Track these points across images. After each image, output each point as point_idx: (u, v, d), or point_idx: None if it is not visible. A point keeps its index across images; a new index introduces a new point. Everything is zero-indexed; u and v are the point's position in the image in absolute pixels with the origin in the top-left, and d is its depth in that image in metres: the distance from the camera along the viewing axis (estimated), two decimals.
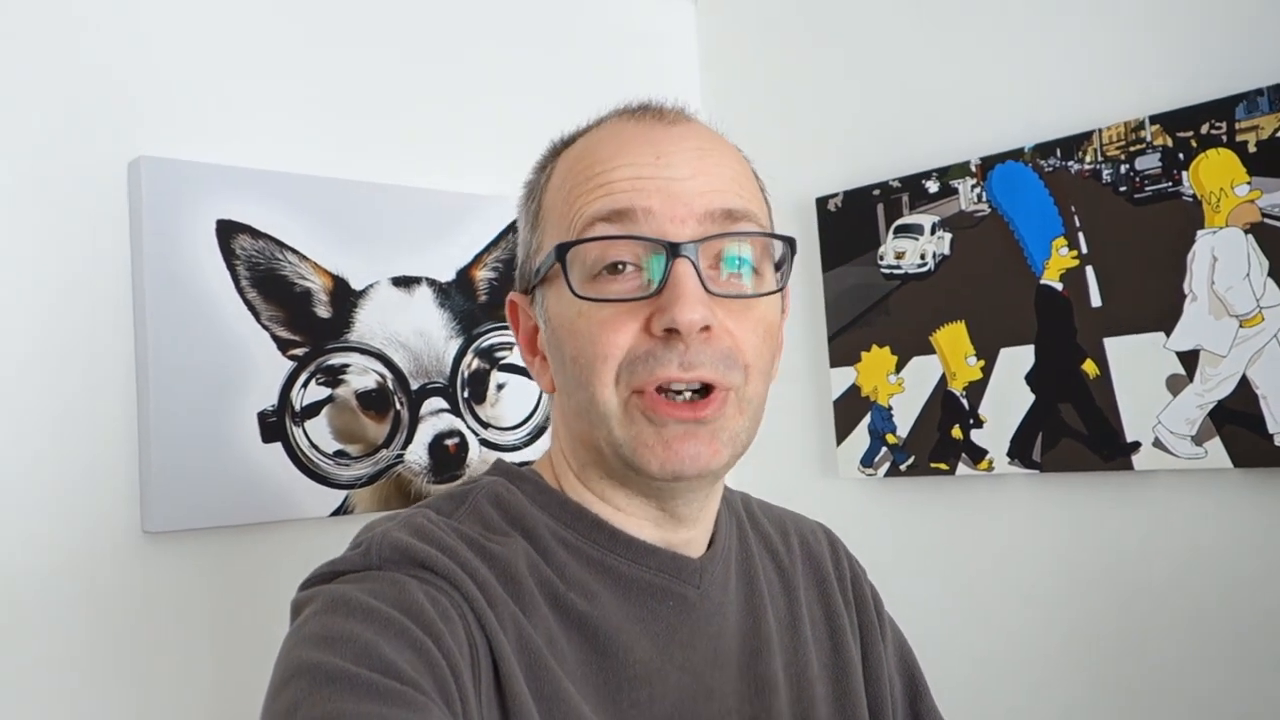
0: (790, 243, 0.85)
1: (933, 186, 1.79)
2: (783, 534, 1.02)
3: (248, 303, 1.51)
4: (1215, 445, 1.49)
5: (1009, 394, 1.70)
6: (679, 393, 0.79)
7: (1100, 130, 1.60)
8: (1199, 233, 1.50)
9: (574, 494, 0.88)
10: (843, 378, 1.92)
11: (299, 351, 1.56)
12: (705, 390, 0.79)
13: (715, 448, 0.80)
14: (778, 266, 0.85)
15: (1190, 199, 1.51)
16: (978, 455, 1.74)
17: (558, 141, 0.90)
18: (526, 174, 0.92)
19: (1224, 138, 1.48)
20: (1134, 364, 1.56)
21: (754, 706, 0.86)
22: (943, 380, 1.78)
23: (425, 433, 1.67)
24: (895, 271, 1.84)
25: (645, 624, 0.83)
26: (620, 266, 0.79)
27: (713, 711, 0.84)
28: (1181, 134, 1.52)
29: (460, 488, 0.90)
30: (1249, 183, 1.46)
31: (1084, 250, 1.61)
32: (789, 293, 0.90)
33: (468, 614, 0.76)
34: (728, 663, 0.87)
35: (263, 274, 1.53)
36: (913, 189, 1.81)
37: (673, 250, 0.78)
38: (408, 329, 1.66)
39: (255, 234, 1.53)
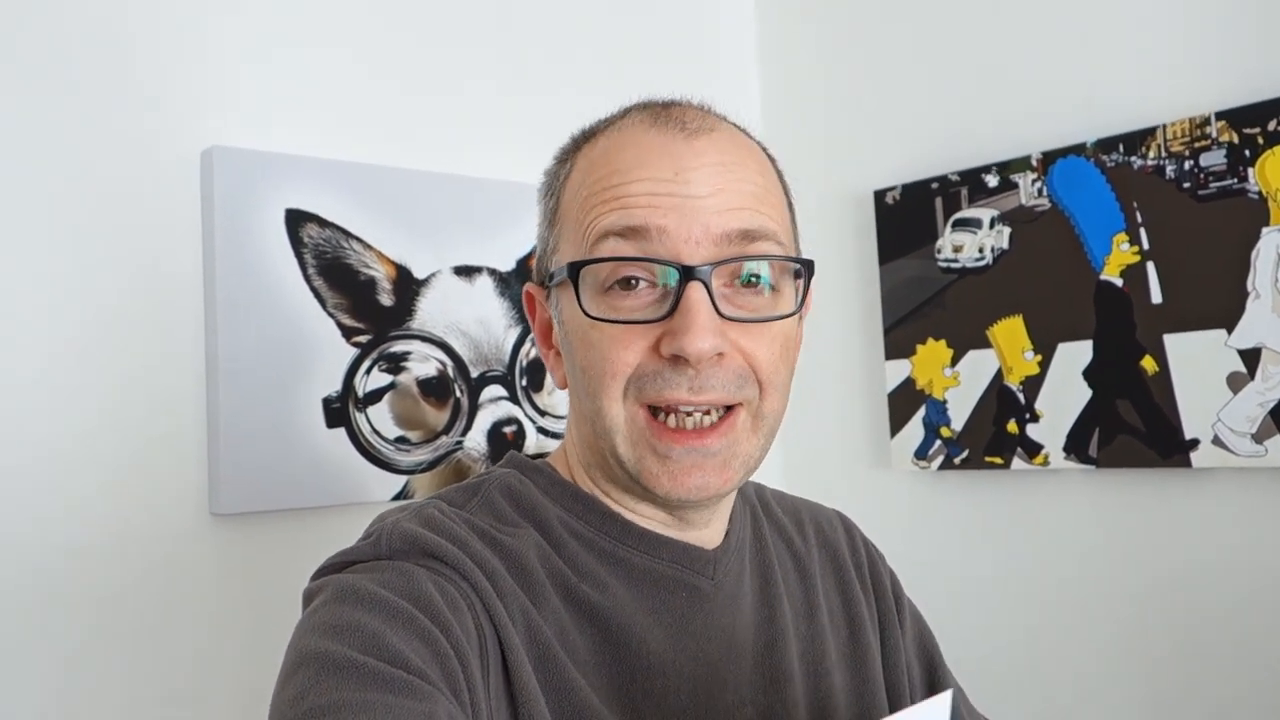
0: (808, 265, 0.84)
1: (992, 180, 1.78)
2: (798, 523, 1.01)
3: (314, 290, 1.54)
4: (1275, 443, 1.48)
5: (1066, 389, 1.69)
6: (689, 414, 0.79)
7: (1164, 126, 1.58)
8: (1264, 230, 1.49)
9: (586, 486, 0.87)
10: (898, 370, 1.92)
11: (362, 339, 1.58)
12: (719, 412, 0.79)
13: (725, 475, 0.81)
14: (797, 275, 0.84)
15: (1255, 196, 1.50)
16: (1033, 450, 1.73)
17: (578, 134, 0.89)
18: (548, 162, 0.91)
19: None
20: (1194, 361, 1.55)
21: (768, 698, 0.86)
22: (999, 375, 1.78)
23: (484, 420, 1.70)
24: (953, 265, 1.83)
25: (658, 615, 0.83)
26: (633, 282, 0.78)
27: (726, 703, 0.84)
28: (1248, 130, 1.50)
29: (473, 479, 0.89)
30: None
31: (1145, 246, 1.60)
32: (810, 300, 0.88)
33: (476, 605, 0.76)
34: (742, 654, 0.86)
35: (329, 262, 1.56)
36: (972, 183, 1.81)
37: (686, 273, 0.77)
38: (468, 317, 1.69)
39: (322, 223, 1.55)
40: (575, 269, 0.79)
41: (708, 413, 0.79)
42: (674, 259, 0.77)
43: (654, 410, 0.79)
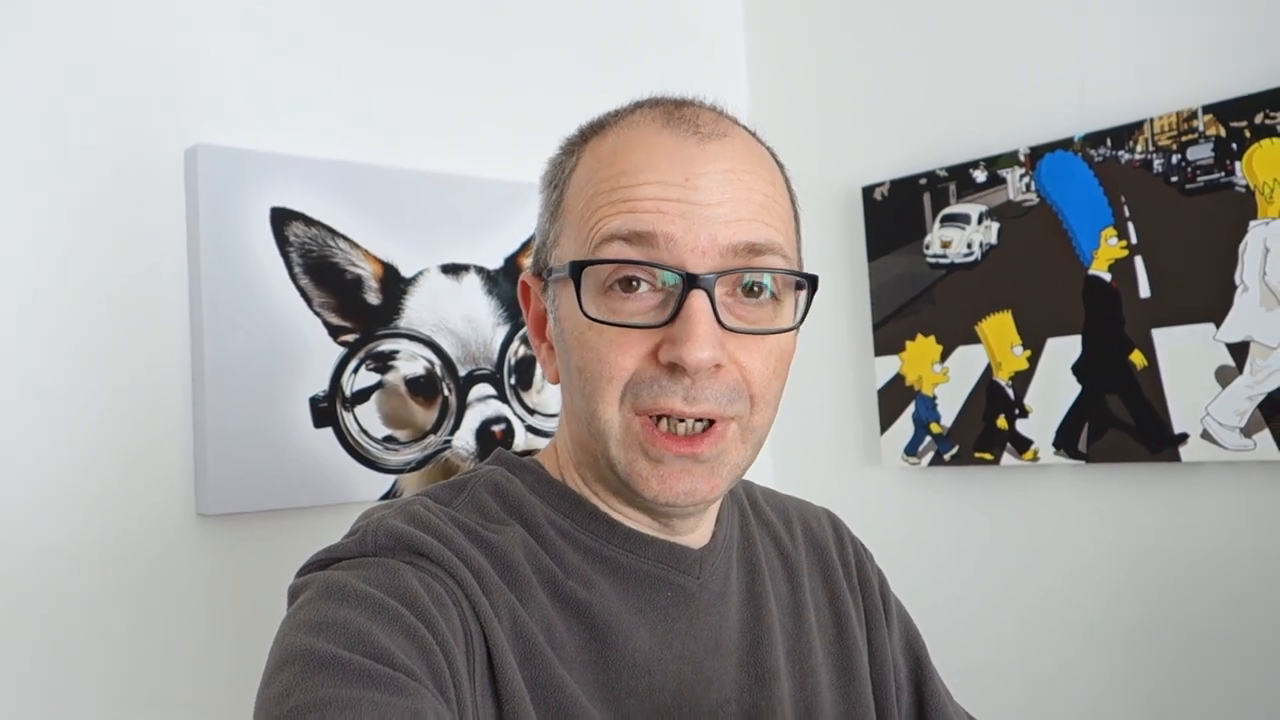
0: (812, 280, 0.83)
1: (980, 176, 1.78)
2: (786, 521, 1.02)
3: (300, 289, 1.53)
4: (1264, 437, 1.48)
5: (1055, 384, 1.69)
6: (682, 420, 0.78)
7: (1151, 120, 1.58)
8: (1251, 223, 1.49)
9: (574, 485, 0.87)
10: (887, 367, 1.92)
11: (350, 338, 1.58)
12: (708, 421, 0.79)
13: (714, 482, 0.81)
14: (798, 286, 0.83)
15: (1243, 189, 1.50)
16: (1023, 445, 1.73)
17: (585, 127, 0.88)
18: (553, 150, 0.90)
19: (1279, 127, 1.47)
20: (1183, 355, 1.55)
21: (753, 695, 0.86)
22: (988, 370, 1.78)
23: (472, 418, 1.69)
24: (941, 261, 1.83)
25: (644, 614, 0.83)
26: (634, 283, 0.78)
27: (711, 701, 0.84)
28: (1235, 124, 1.50)
29: (460, 476, 0.89)
30: None
31: (1133, 241, 1.60)
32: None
33: (462, 601, 0.76)
34: (728, 652, 0.87)
35: (315, 261, 1.55)
36: (960, 178, 1.81)
37: (690, 281, 0.76)
38: (456, 316, 1.68)
39: (308, 221, 1.54)
40: (577, 269, 0.78)
41: (699, 419, 0.79)
42: (678, 266, 0.77)
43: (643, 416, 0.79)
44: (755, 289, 0.80)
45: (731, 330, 0.78)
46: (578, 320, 0.80)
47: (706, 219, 0.77)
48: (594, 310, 0.78)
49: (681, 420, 0.78)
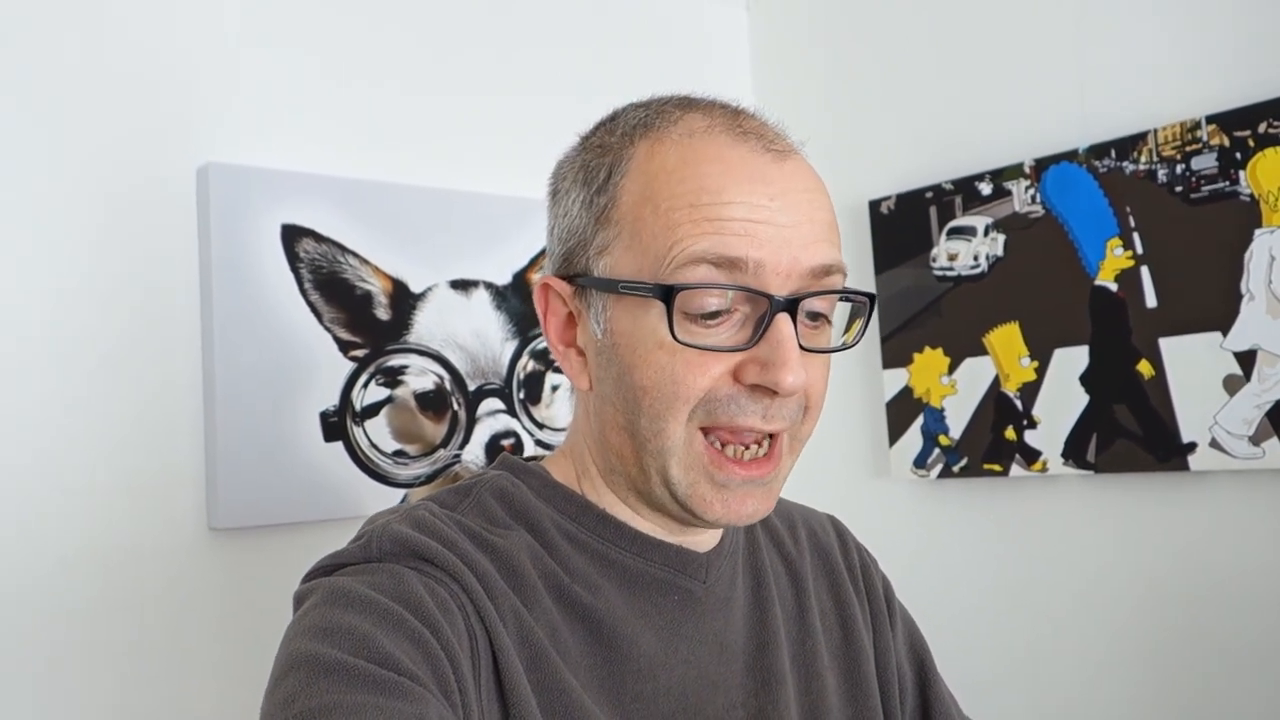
0: (872, 299, 0.85)
1: (986, 188, 1.79)
2: (790, 527, 1.02)
3: (310, 305, 1.55)
4: (1273, 445, 1.48)
5: (1063, 395, 1.69)
6: (747, 446, 0.79)
7: (1155, 130, 1.59)
8: (1256, 232, 1.49)
9: (591, 492, 0.87)
10: (895, 379, 1.92)
11: (359, 353, 1.59)
12: (768, 438, 0.80)
13: (771, 501, 0.81)
14: (843, 297, 0.83)
15: (1248, 198, 1.50)
16: (1031, 456, 1.73)
17: (627, 127, 0.84)
18: (583, 142, 0.87)
19: None
20: (1190, 364, 1.56)
21: (760, 700, 0.86)
22: (996, 381, 1.78)
23: (482, 433, 1.70)
24: (948, 273, 1.84)
25: (649, 617, 0.83)
26: (717, 312, 0.77)
27: (718, 705, 0.84)
28: (1239, 133, 1.51)
29: (465, 481, 0.89)
30: None
31: (1139, 251, 1.61)
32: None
33: (467, 606, 0.76)
34: (734, 657, 0.87)
35: (325, 277, 1.56)
36: (966, 191, 1.82)
37: (775, 306, 0.76)
38: (465, 331, 1.69)
39: (318, 238, 1.56)
40: (670, 294, 0.76)
41: (759, 442, 0.79)
42: (763, 289, 0.76)
43: (706, 433, 0.79)
44: (817, 315, 0.80)
45: (807, 350, 0.78)
46: (645, 336, 0.78)
47: (788, 241, 0.77)
48: (681, 333, 0.77)
49: (747, 447, 0.79)
